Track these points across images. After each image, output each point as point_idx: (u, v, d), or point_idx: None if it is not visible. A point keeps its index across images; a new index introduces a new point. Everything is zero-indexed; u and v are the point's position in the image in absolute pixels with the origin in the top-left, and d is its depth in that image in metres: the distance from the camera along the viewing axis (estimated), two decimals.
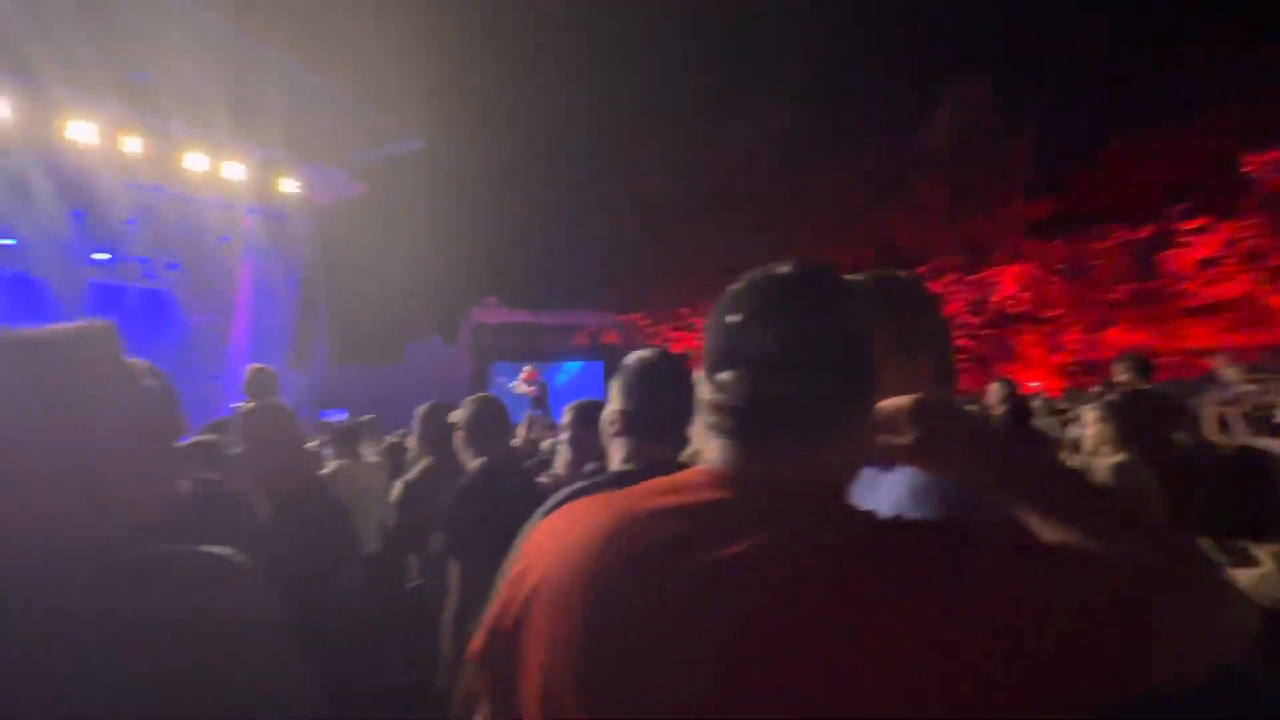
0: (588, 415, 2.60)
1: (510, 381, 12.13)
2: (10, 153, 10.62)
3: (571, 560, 0.67)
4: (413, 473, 2.98)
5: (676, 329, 17.53)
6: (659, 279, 16.65)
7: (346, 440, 4.09)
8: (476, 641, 0.78)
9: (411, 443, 5.63)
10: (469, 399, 2.51)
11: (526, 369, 12.14)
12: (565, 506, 0.77)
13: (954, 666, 0.55)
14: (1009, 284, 15.45)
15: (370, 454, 4.74)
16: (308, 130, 12.30)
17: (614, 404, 1.30)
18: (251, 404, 2.25)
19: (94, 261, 13.04)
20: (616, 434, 1.27)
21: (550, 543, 0.72)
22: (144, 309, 13.63)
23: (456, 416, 2.47)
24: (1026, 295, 15.30)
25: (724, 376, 0.68)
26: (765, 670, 0.57)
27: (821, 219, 14.67)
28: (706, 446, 0.72)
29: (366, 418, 5.78)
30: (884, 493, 0.87)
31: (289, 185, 13.08)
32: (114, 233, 12.59)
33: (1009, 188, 14.80)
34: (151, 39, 10.05)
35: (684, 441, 1.24)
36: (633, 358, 1.32)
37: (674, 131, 12.94)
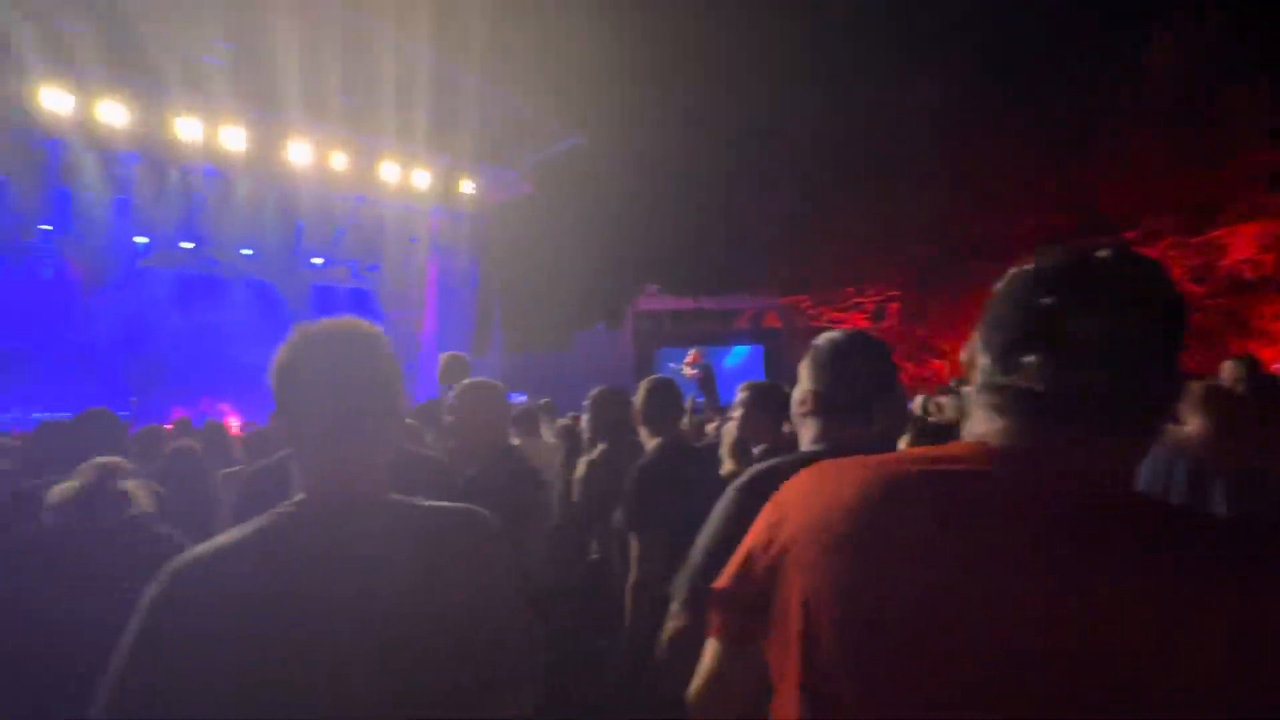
0: (760, 396, 2.68)
1: (677, 365, 12.18)
2: (245, 177, 12.44)
3: (839, 513, 0.70)
4: (594, 453, 3.08)
5: (840, 310, 16.79)
6: (821, 260, 16.03)
7: (527, 421, 4.19)
8: (723, 583, 0.81)
9: (584, 424, 6.01)
10: (645, 381, 2.55)
11: (691, 352, 12.38)
12: (816, 467, 0.78)
13: (1259, 666, 0.54)
14: (1243, 245, 13.06)
15: (548, 434, 4.88)
16: (483, 136, 13.15)
17: (804, 384, 1.31)
18: (471, 380, 2.40)
19: (312, 266, 14.93)
20: (806, 414, 1.28)
21: (807, 498, 0.75)
22: (352, 306, 15.27)
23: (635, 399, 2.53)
24: (1269, 257, 12.83)
25: (1029, 359, 0.67)
26: (1054, 641, 0.58)
27: (1002, 183, 13.32)
28: (980, 423, 0.71)
29: (543, 400, 5.92)
30: None
31: (467, 188, 14.10)
32: (327, 240, 14.34)
33: (1241, 134, 12.54)
34: (356, 63, 11.21)
35: (874, 421, 1.23)
36: (824, 338, 1.31)
37: (836, 102, 12.27)
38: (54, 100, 9.96)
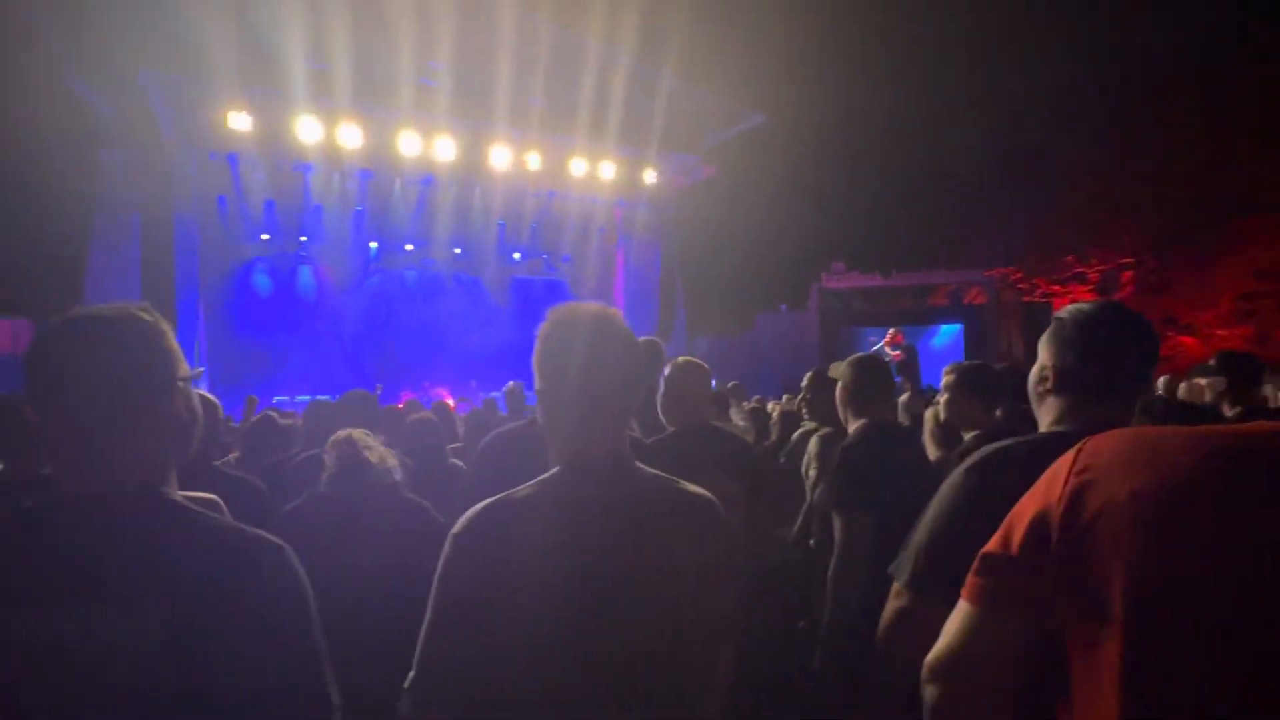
0: (967, 379, 2.58)
1: (876, 342, 11.50)
2: (454, 183, 13.65)
3: (1177, 491, 0.65)
4: (824, 431, 3.03)
5: (1058, 282, 15.05)
6: (1037, 228, 14.38)
7: (718, 403, 4.18)
8: (994, 548, 0.78)
9: (772, 406, 5.62)
10: (852, 359, 2.45)
11: (891, 332, 11.52)
12: (1132, 433, 0.73)
13: None
14: None
15: (737, 417, 4.84)
16: (665, 125, 13.27)
17: (1044, 359, 1.22)
18: (683, 358, 2.40)
19: (512, 261, 15.97)
20: (1047, 393, 1.19)
21: (1128, 467, 0.69)
22: (547, 297, 15.88)
23: (838, 375, 2.44)
24: None
25: None
26: None
27: (1260, 134, 11.05)
28: None
29: (730, 383, 5.88)
30: None
31: (650, 177, 14.34)
32: (523, 236, 15.31)
33: None
34: (556, 70, 11.82)
35: (1129, 401, 1.13)
36: (1069, 310, 1.21)
37: (1060, 54, 10.81)
38: (307, 129, 11.63)
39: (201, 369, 1.04)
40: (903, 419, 3.70)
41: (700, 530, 1.10)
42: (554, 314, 1.17)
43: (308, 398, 12.89)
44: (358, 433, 2.07)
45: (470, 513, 1.09)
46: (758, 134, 14.16)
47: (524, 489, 1.12)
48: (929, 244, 15.62)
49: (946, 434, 2.72)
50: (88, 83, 10.35)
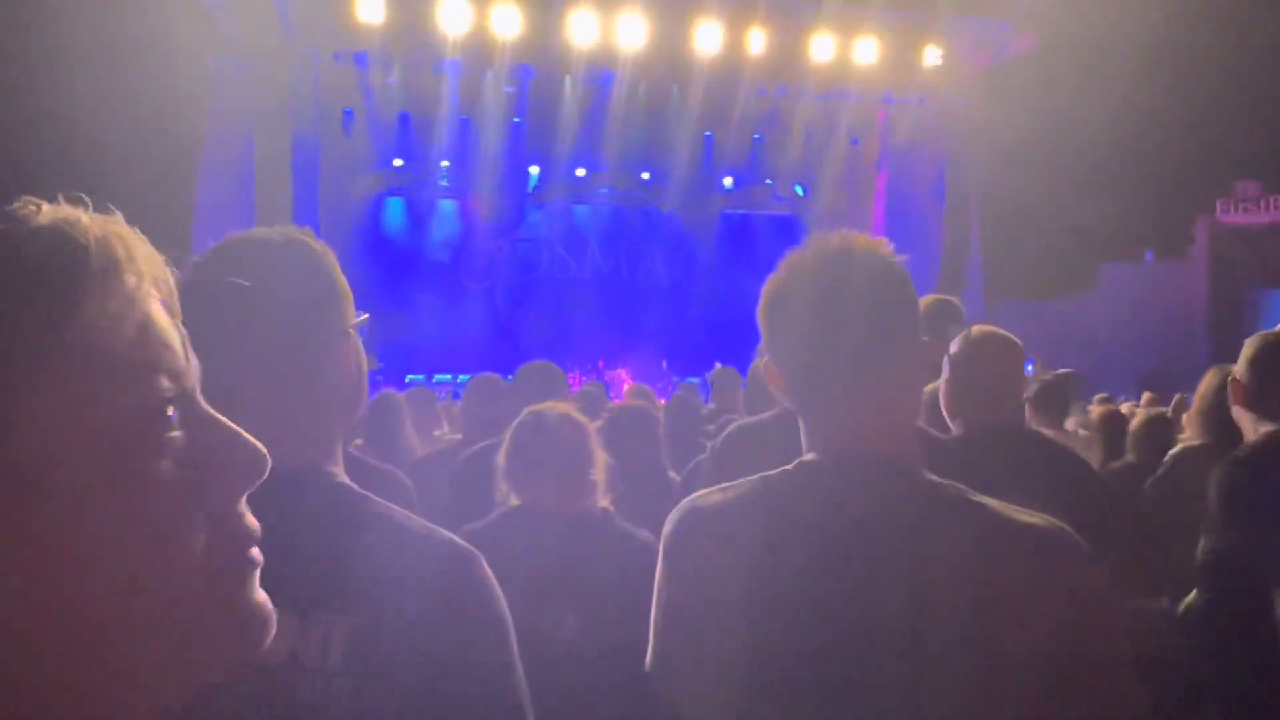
0: None
1: None
2: (643, 78, 13.98)
3: None
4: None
5: None
6: None
7: (1047, 400, 4.11)
8: None
9: (1129, 408, 5.33)
10: (1254, 340, 2.37)
11: None
12: None
13: None
14: None
15: (1074, 423, 4.68)
16: None
17: None
18: (974, 330, 2.44)
19: (721, 189, 16.37)
20: None
21: None
22: (772, 240, 16.40)
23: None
24: None
25: None
26: None
27: None
28: None
29: (1064, 371, 5.77)
30: None
31: (932, 57, 13.79)
32: (739, 153, 15.52)
33: None
34: None
35: None
36: None
37: None
38: (453, 16, 12.48)
39: (367, 314, 1.15)
40: None
41: (1048, 586, 1.09)
42: (794, 255, 1.23)
43: (447, 377, 14.45)
44: (573, 415, 2.26)
45: (681, 509, 1.22)
46: None
47: (742, 486, 1.23)
48: None
49: None
50: None
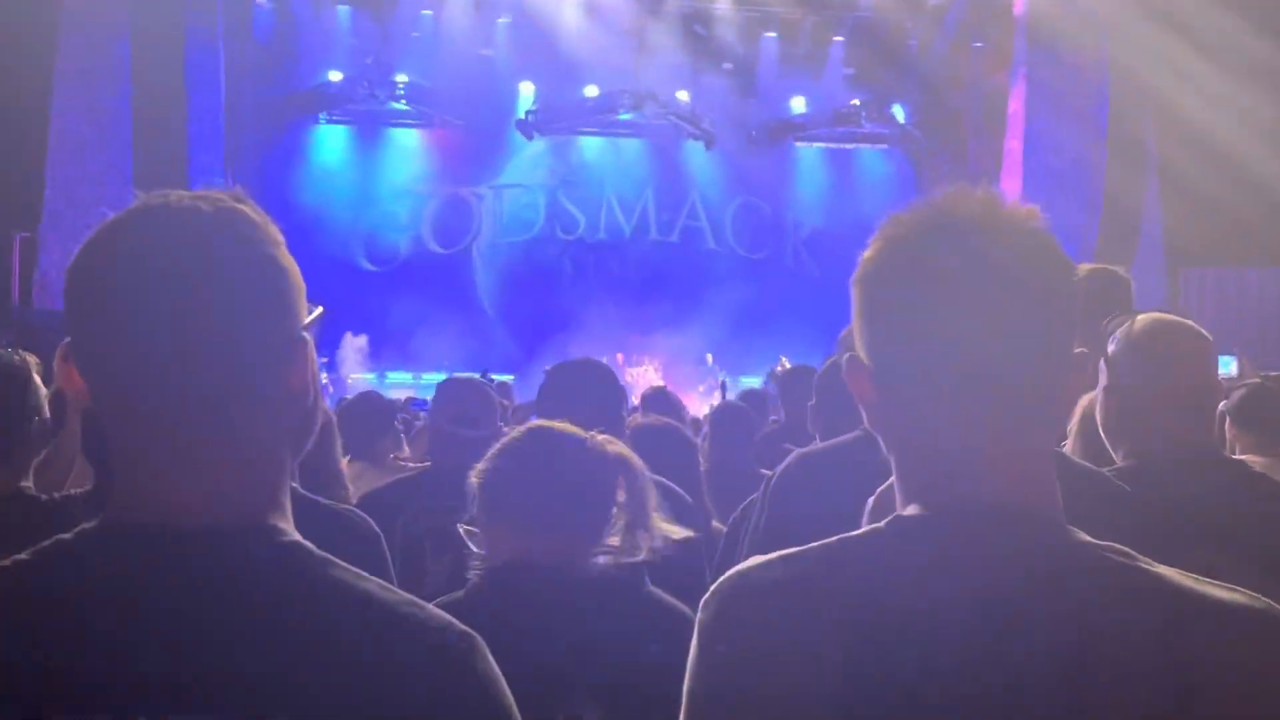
0: None
1: None
2: None
3: None
4: None
5: None
6: None
7: (1257, 417, 4.14)
8: None
9: None
10: None
11: None
12: None
13: None
14: None
15: None
16: None
17: None
18: (1146, 316, 2.46)
19: (786, 113, 14.94)
20: None
21: None
22: (864, 179, 15.30)
23: None
24: None
25: None
26: None
27: None
28: None
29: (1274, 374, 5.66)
30: None
31: None
32: (815, 63, 14.29)
33: None
34: None
35: None
36: None
37: None
38: None
39: (321, 308, 1.13)
40: None
41: (1262, 693, 1.05)
42: (902, 221, 1.14)
43: (407, 378, 13.48)
44: (598, 440, 2.20)
45: (723, 583, 1.18)
46: None
47: (812, 555, 1.14)
48: None
49: None
50: None
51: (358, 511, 2.67)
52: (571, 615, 2.08)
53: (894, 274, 1.12)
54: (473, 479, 2.19)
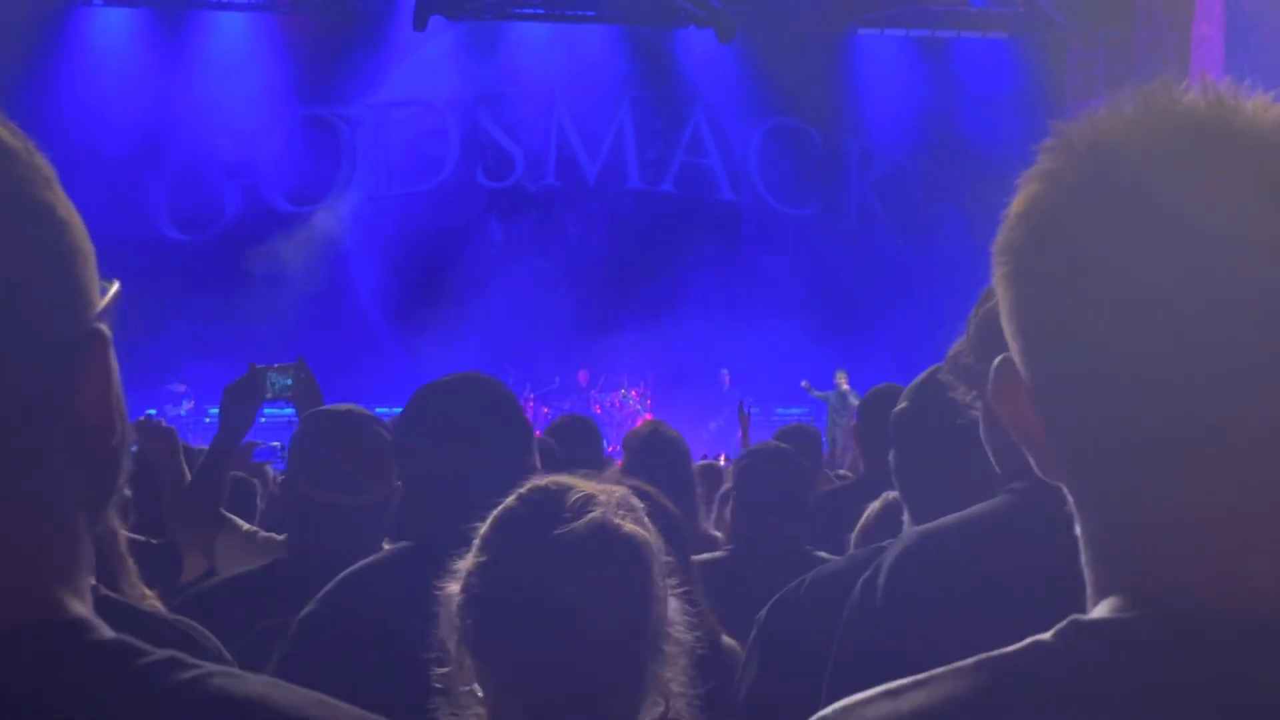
0: None
1: None
2: None
3: None
4: None
5: None
6: None
7: None
8: None
9: None
10: None
11: None
12: None
13: None
14: None
15: None
16: None
17: None
18: None
19: None
20: None
21: None
22: (969, 87, 12.11)
23: None
24: None
25: None
26: None
27: None
28: None
29: None
30: None
31: None
32: None
33: None
34: None
35: None
36: None
37: None
38: None
39: (117, 281, 0.91)
40: None
41: None
42: (1078, 135, 0.89)
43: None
44: (638, 525, 1.79)
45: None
46: None
47: (946, 686, 0.90)
48: None
49: None
50: None
51: (187, 622, 2.19)
52: None
53: (1087, 230, 0.81)
54: (448, 591, 1.73)
